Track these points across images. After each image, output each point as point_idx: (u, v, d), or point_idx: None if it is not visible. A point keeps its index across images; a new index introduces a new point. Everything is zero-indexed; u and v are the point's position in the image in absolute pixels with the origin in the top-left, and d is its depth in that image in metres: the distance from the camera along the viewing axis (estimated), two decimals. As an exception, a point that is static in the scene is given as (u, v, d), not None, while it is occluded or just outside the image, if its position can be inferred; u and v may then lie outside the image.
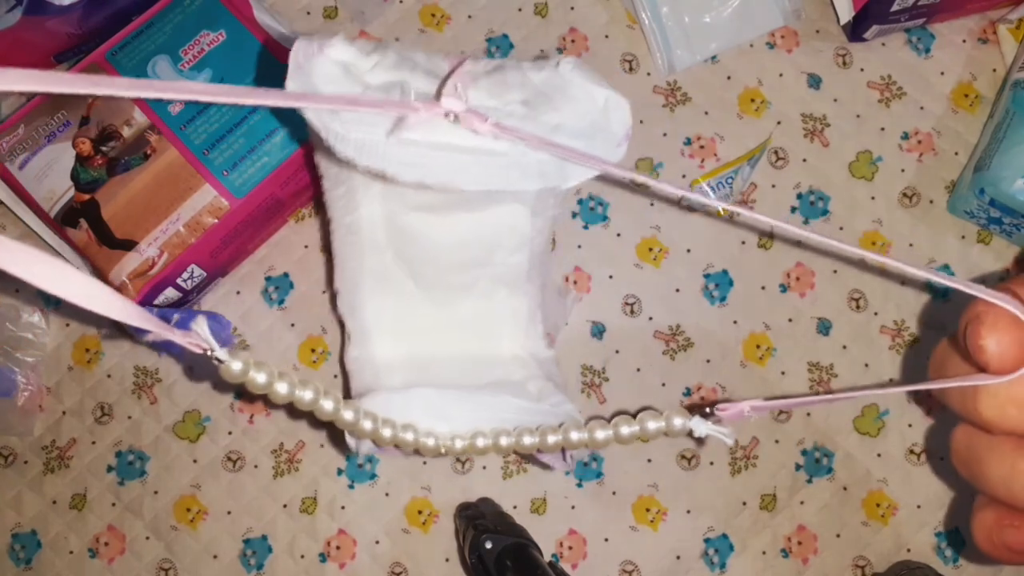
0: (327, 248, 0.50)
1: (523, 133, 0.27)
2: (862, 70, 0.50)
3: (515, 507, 0.48)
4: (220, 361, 0.21)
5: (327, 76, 0.32)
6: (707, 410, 0.27)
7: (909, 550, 0.48)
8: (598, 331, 0.49)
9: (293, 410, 0.49)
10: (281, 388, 0.23)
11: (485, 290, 0.42)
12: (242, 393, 0.50)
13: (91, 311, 0.16)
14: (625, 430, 0.29)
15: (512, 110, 0.32)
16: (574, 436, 0.29)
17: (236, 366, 0.21)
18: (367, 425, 0.26)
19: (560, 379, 0.43)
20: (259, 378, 0.22)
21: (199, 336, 0.20)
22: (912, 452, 0.48)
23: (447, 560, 0.48)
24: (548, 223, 0.41)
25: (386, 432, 0.27)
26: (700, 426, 0.27)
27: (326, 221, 0.50)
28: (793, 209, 0.50)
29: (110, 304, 0.17)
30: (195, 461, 0.49)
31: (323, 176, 0.39)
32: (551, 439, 0.29)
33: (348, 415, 0.26)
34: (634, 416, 0.29)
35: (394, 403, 0.34)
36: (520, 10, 0.51)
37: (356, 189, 0.39)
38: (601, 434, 0.30)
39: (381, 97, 0.32)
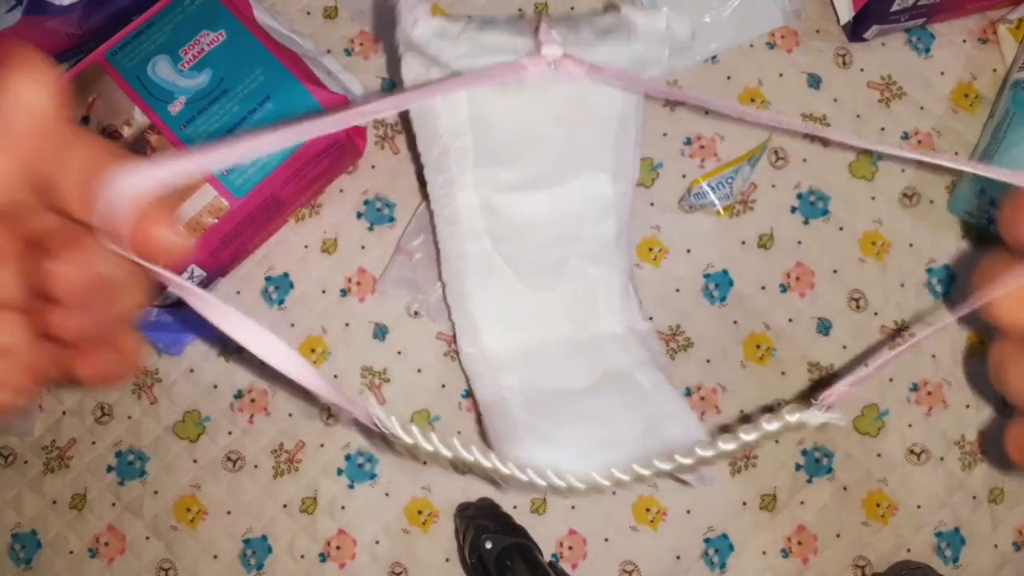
0: (327, 248, 0.50)
1: (614, 72, 0.31)
2: (862, 70, 0.50)
3: (515, 507, 0.48)
4: (395, 437, 0.25)
5: (430, 36, 0.37)
6: (812, 400, 0.29)
7: (909, 550, 0.48)
8: (598, 331, 0.49)
9: (293, 410, 0.49)
10: (447, 453, 0.26)
11: (578, 269, 0.44)
12: (242, 393, 0.50)
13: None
14: (751, 437, 0.30)
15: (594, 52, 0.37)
16: (703, 454, 0.31)
17: (408, 440, 0.25)
18: (523, 477, 0.29)
19: (661, 352, 0.45)
20: (427, 447, 0.25)
21: (373, 416, 0.24)
22: (912, 452, 0.48)
23: (447, 560, 0.48)
24: (630, 187, 0.44)
25: (540, 482, 0.30)
26: (815, 416, 0.29)
27: (335, 221, 0.50)
28: (793, 209, 0.50)
29: (300, 371, 0.22)
30: (195, 461, 0.49)
31: (424, 166, 0.42)
32: (682, 461, 0.31)
33: (506, 470, 0.29)
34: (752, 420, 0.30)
35: (536, 456, 0.38)
36: (520, 10, 0.51)
37: (453, 179, 0.42)
38: (730, 446, 0.31)
39: (487, 65, 0.37)
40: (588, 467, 0.31)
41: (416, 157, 0.51)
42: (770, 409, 0.49)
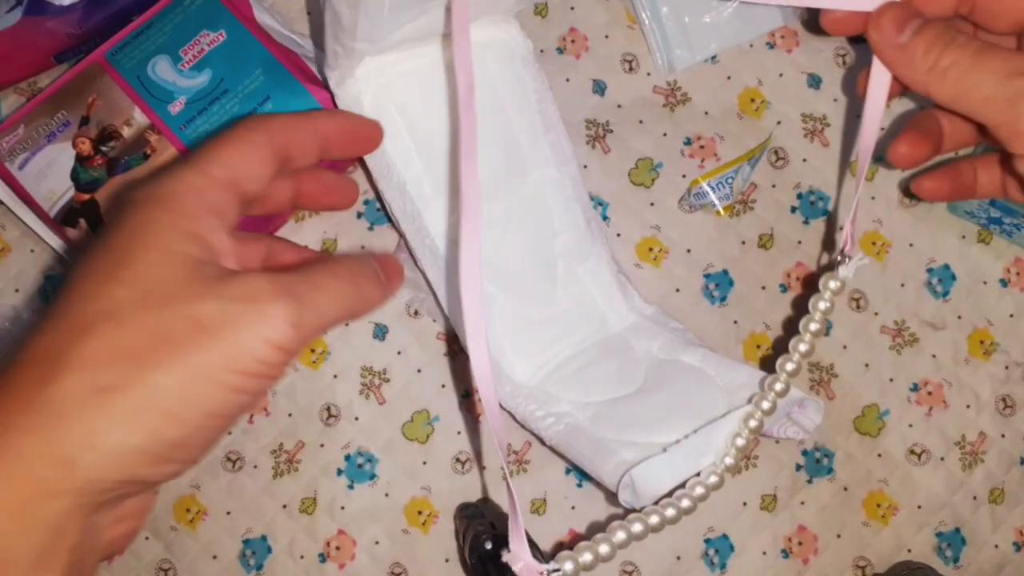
0: (327, 248, 0.50)
1: None
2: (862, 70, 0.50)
3: (515, 507, 0.48)
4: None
5: None
6: (837, 259, 0.32)
7: (910, 550, 0.48)
8: (598, 331, 0.49)
9: (293, 410, 0.49)
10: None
11: (567, 269, 0.43)
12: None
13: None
14: (805, 347, 0.33)
15: None
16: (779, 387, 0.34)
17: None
18: (655, 521, 0.33)
19: (681, 326, 0.44)
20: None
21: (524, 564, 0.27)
22: (912, 452, 0.48)
23: (447, 560, 0.48)
24: (574, 167, 0.44)
25: (670, 513, 0.33)
26: (850, 268, 0.32)
27: (335, 221, 0.50)
28: (793, 209, 0.50)
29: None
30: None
31: (386, 199, 0.42)
32: (767, 406, 0.34)
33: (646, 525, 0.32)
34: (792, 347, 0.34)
35: (648, 462, 0.36)
36: (520, 10, 0.51)
37: (419, 213, 0.41)
38: (805, 347, 0.34)
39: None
40: (697, 460, 0.32)
41: (416, 157, 0.51)
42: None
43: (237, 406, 0.24)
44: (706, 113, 0.50)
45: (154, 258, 0.24)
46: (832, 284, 0.32)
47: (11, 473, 0.21)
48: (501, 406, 0.42)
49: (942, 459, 0.48)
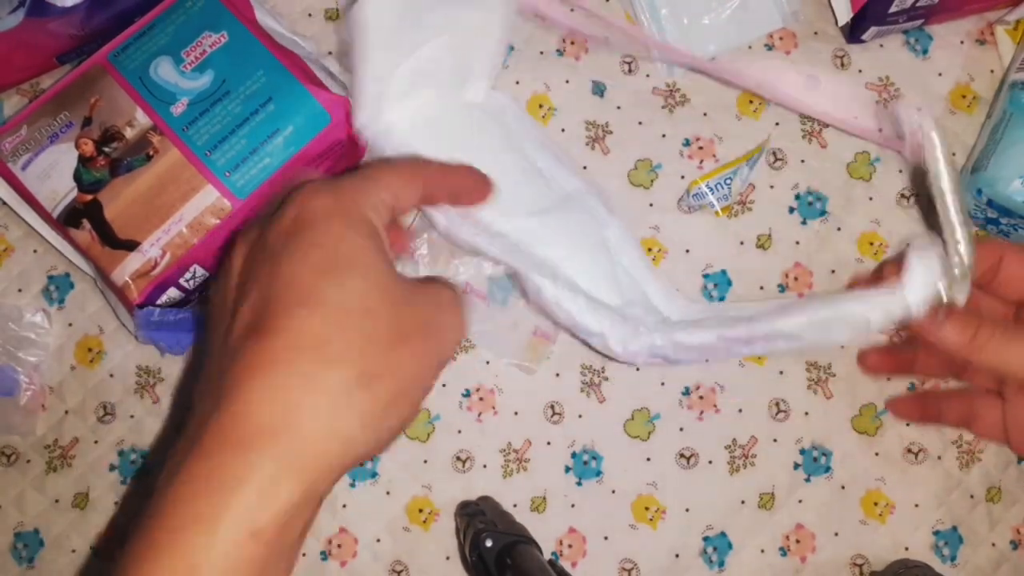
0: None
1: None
2: (860, 71, 0.51)
3: (515, 505, 0.49)
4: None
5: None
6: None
7: (907, 549, 0.48)
8: (598, 331, 0.49)
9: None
10: None
11: (609, 289, 0.42)
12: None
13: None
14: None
15: None
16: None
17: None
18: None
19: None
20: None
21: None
22: (910, 451, 0.49)
23: (448, 558, 0.49)
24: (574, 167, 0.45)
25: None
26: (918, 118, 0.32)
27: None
28: (791, 210, 0.50)
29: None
30: (197, 460, 0.49)
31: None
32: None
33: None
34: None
35: None
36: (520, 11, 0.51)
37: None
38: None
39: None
40: None
41: (417, 158, 0.51)
42: (776, 405, 0.49)
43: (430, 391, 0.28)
44: (705, 114, 0.50)
45: (375, 261, 0.27)
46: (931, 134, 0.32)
47: (307, 451, 0.24)
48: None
49: (939, 458, 0.49)
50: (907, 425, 0.49)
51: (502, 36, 0.42)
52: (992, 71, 0.50)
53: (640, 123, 0.50)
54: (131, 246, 0.43)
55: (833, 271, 0.49)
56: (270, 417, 0.24)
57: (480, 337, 0.49)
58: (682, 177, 0.50)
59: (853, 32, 0.49)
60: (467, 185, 0.35)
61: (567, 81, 0.51)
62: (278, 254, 0.27)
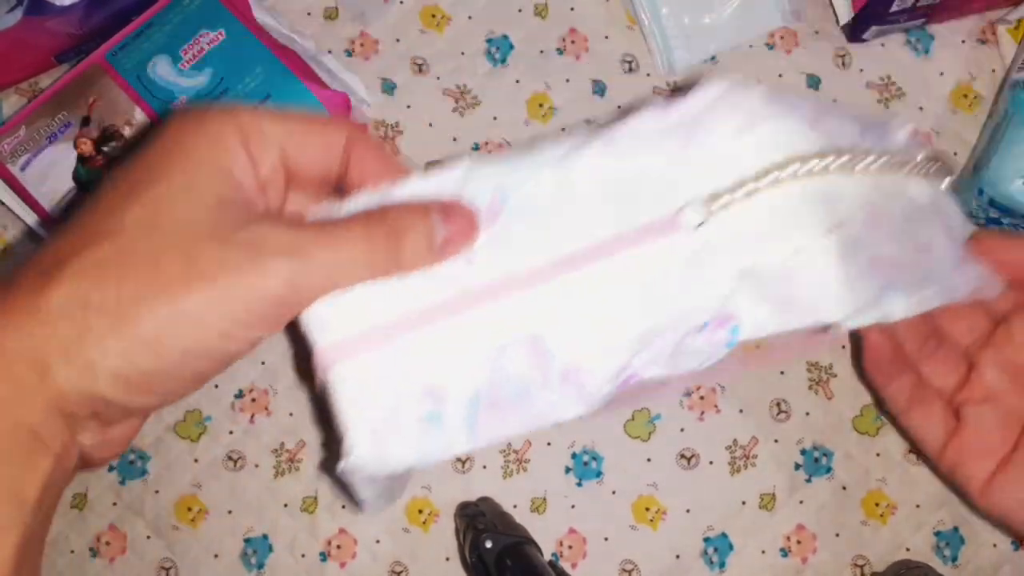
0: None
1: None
2: (861, 71, 0.50)
3: (515, 506, 0.49)
4: None
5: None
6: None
7: (908, 549, 0.48)
8: (598, 331, 0.49)
9: (294, 410, 0.49)
10: None
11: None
12: (243, 393, 0.50)
13: None
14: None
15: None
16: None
17: None
18: None
19: None
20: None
21: None
22: (911, 452, 0.49)
23: (447, 559, 0.48)
24: None
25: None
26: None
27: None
28: (792, 209, 0.50)
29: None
30: (196, 460, 0.49)
31: None
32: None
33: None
34: None
35: None
36: (520, 11, 0.51)
37: None
38: None
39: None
40: None
41: (418, 158, 0.51)
42: (777, 406, 0.49)
43: (223, 351, 0.24)
44: (706, 113, 0.50)
45: (176, 185, 0.23)
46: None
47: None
48: None
49: (940, 458, 0.48)
50: (908, 425, 0.49)
51: None
52: (993, 70, 0.50)
53: (640, 122, 0.50)
54: (130, 246, 0.43)
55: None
56: None
57: None
58: (683, 177, 0.50)
59: (854, 31, 0.49)
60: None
61: (567, 80, 0.51)
62: (104, 182, 0.25)
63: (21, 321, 0.22)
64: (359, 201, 0.27)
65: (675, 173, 0.27)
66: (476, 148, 0.50)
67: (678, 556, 0.48)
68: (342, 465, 0.26)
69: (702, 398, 0.49)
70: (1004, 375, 0.35)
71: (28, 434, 0.22)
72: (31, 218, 0.46)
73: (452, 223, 0.26)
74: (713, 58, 0.50)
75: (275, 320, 0.24)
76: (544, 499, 0.49)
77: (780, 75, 0.50)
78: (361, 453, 0.26)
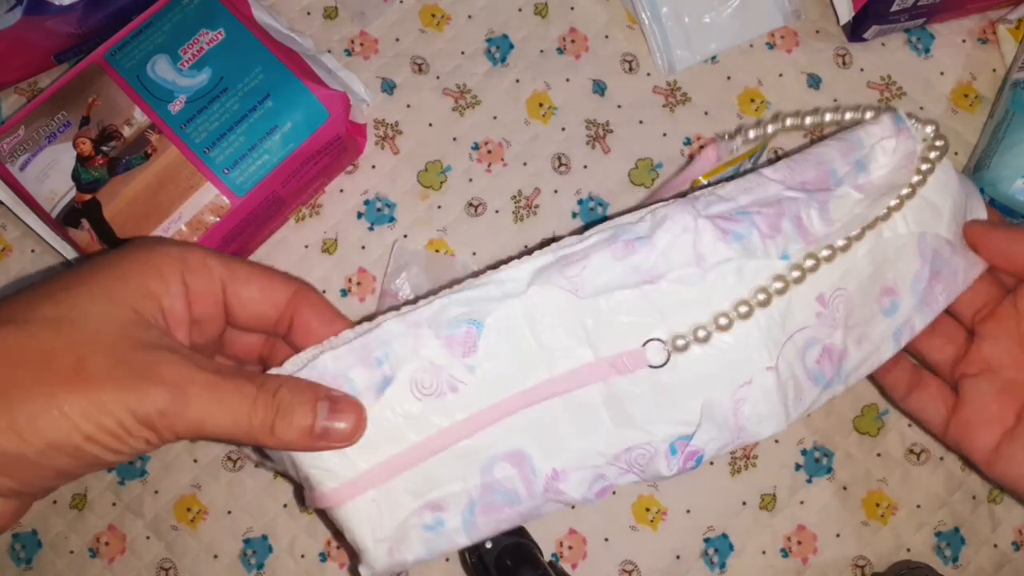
0: (328, 248, 0.50)
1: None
2: (862, 70, 0.50)
3: (515, 507, 0.48)
4: None
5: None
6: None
7: (909, 550, 0.48)
8: (598, 331, 0.49)
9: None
10: None
11: None
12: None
13: None
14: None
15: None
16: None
17: None
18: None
19: None
20: None
21: None
22: (912, 452, 0.48)
23: (447, 559, 0.48)
24: None
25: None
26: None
27: (335, 221, 0.50)
28: (793, 209, 0.50)
29: None
30: (195, 461, 0.49)
31: None
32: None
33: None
34: None
35: None
36: (520, 10, 0.51)
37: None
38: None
39: None
40: None
41: (417, 158, 0.51)
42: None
43: (87, 453, 0.25)
44: (706, 113, 0.50)
45: (98, 293, 0.25)
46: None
47: None
48: None
49: (941, 459, 0.48)
50: (909, 425, 0.48)
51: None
52: (994, 70, 0.50)
53: (641, 122, 0.50)
54: (129, 245, 0.43)
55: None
56: None
57: None
58: (683, 176, 0.50)
59: (855, 31, 0.49)
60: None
61: (567, 80, 0.50)
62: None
63: None
64: (286, 366, 0.30)
65: (640, 310, 0.30)
66: (476, 148, 0.50)
67: (678, 556, 0.48)
68: (364, 572, 0.31)
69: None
70: (1006, 347, 0.35)
71: None
72: (30, 218, 0.46)
73: (336, 417, 0.28)
74: (714, 58, 0.50)
75: (142, 440, 0.26)
76: (544, 499, 0.49)
77: (780, 75, 0.50)
78: (379, 566, 0.31)
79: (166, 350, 0.26)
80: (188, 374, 0.25)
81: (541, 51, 0.51)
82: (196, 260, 0.28)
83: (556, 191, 0.50)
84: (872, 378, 0.38)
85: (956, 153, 0.50)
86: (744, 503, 0.48)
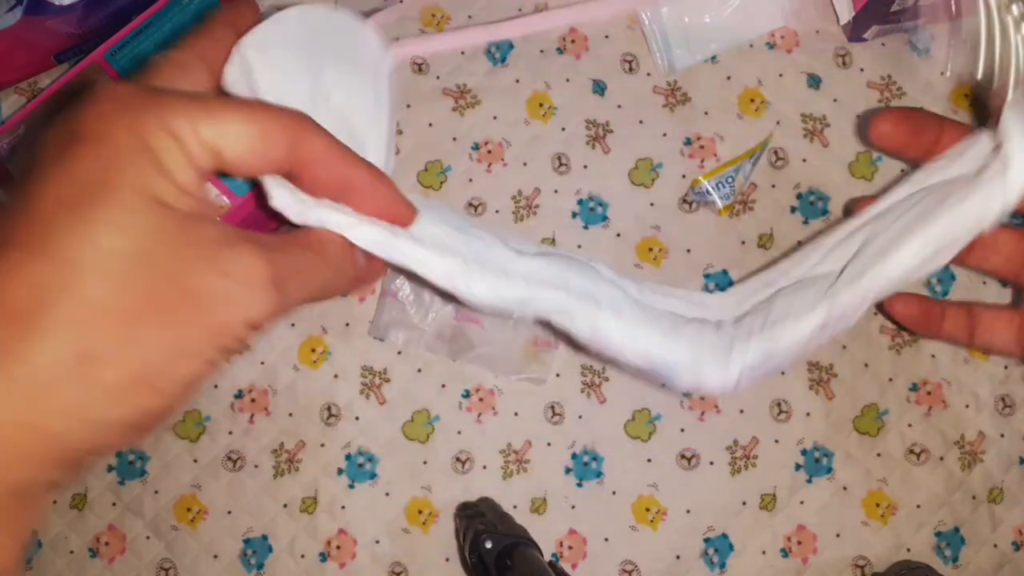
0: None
1: None
2: (862, 70, 0.50)
3: (515, 507, 0.49)
4: None
5: None
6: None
7: (909, 550, 0.48)
8: (598, 331, 0.49)
9: (293, 410, 0.49)
10: None
11: None
12: (242, 393, 0.50)
13: None
14: None
15: None
16: None
17: None
18: None
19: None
20: None
21: None
22: (912, 452, 0.48)
23: (447, 560, 0.48)
24: None
25: None
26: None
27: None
28: (793, 209, 0.50)
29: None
30: (195, 461, 0.49)
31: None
32: None
33: None
34: None
35: None
36: (520, 10, 0.51)
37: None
38: None
39: None
40: None
41: (417, 158, 0.51)
42: (777, 406, 0.49)
43: (206, 377, 0.23)
44: (706, 113, 0.50)
45: (147, 204, 0.21)
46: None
47: None
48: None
49: (941, 459, 0.48)
50: (909, 425, 0.48)
51: (389, 111, 0.31)
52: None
53: (641, 122, 0.50)
54: (129, 246, 0.43)
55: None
56: None
57: (481, 360, 0.49)
58: (683, 176, 0.50)
59: (855, 31, 0.49)
60: (378, 195, 0.27)
61: (567, 80, 0.50)
62: (36, 172, 0.21)
63: (12, 388, 0.19)
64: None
65: None
66: (476, 148, 0.50)
67: (678, 556, 0.48)
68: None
69: (702, 398, 0.49)
70: None
71: (17, 499, 0.21)
72: (30, 218, 0.46)
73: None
74: (714, 58, 0.50)
75: (248, 341, 0.23)
76: (544, 499, 0.49)
77: (780, 75, 0.50)
78: None
79: (247, 249, 0.23)
80: (278, 264, 0.23)
81: (541, 51, 0.51)
82: (186, 130, 0.22)
83: (556, 191, 0.50)
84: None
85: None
86: (744, 503, 0.48)
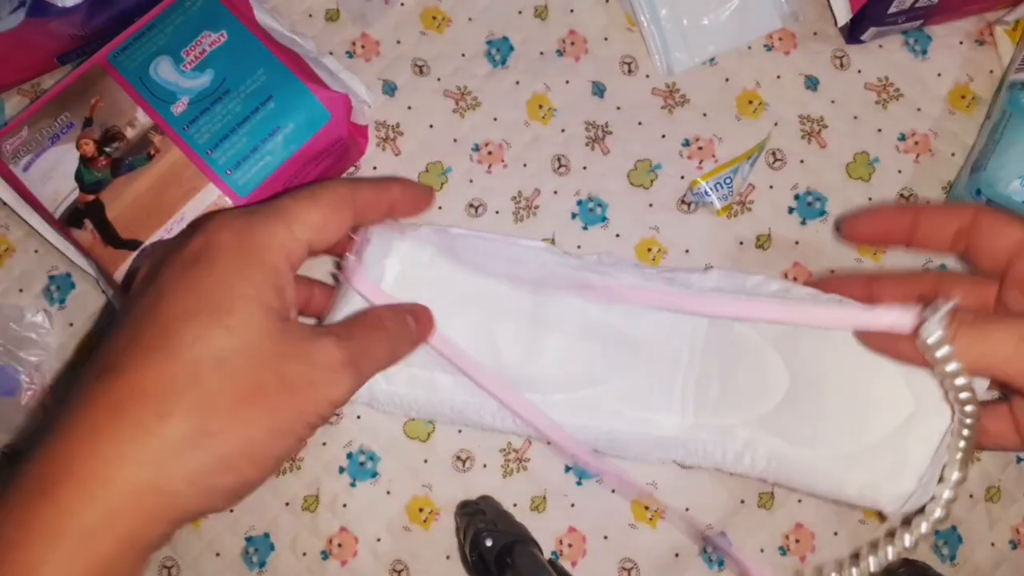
0: (326, 249, 0.50)
1: None
2: (859, 72, 0.51)
3: (515, 505, 0.49)
4: None
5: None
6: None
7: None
8: (597, 331, 0.50)
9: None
10: None
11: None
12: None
13: None
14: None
15: None
16: None
17: None
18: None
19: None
20: None
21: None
22: (909, 451, 0.49)
23: (448, 558, 0.49)
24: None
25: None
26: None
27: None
28: (791, 210, 0.50)
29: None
30: (197, 460, 0.50)
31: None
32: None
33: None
34: None
35: None
36: (520, 13, 0.51)
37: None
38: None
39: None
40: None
41: (418, 159, 0.51)
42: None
43: (296, 452, 0.28)
44: (704, 115, 0.51)
45: (254, 311, 0.26)
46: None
47: (126, 504, 0.24)
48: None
49: (938, 457, 0.49)
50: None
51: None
52: (991, 71, 0.51)
53: (640, 123, 0.51)
54: (134, 246, 0.43)
55: (832, 271, 0.50)
56: (85, 466, 0.23)
57: None
58: (682, 177, 0.50)
59: (852, 33, 0.49)
60: (405, 197, 0.35)
61: (567, 82, 0.51)
62: (162, 287, 0.27)
63: (148, 458, 0.24)
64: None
65: None
66: (476, 149, 0.51)
67: (677, 554, 0.49)
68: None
69: (701, 397, 0.49)
70: None
71: (146, 553, 0.25)
72: (33, 218, 0.46)
73: (418, 317, 0.34)
74: (712, 59, 0.51)
75: (329, 418, 0.31)
76: (544, 498, 0.49)
77: (778, 76, 0.51)
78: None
79: (328, 340, 0.28)
80: (352, 350, 0.29)
81: (541, 53, 0.51)
82: (291, 241, 0.29)
83: (556, 192, 0.50)
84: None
85: (953, 154, 0.50)
86: (742, 501, 0.49)
